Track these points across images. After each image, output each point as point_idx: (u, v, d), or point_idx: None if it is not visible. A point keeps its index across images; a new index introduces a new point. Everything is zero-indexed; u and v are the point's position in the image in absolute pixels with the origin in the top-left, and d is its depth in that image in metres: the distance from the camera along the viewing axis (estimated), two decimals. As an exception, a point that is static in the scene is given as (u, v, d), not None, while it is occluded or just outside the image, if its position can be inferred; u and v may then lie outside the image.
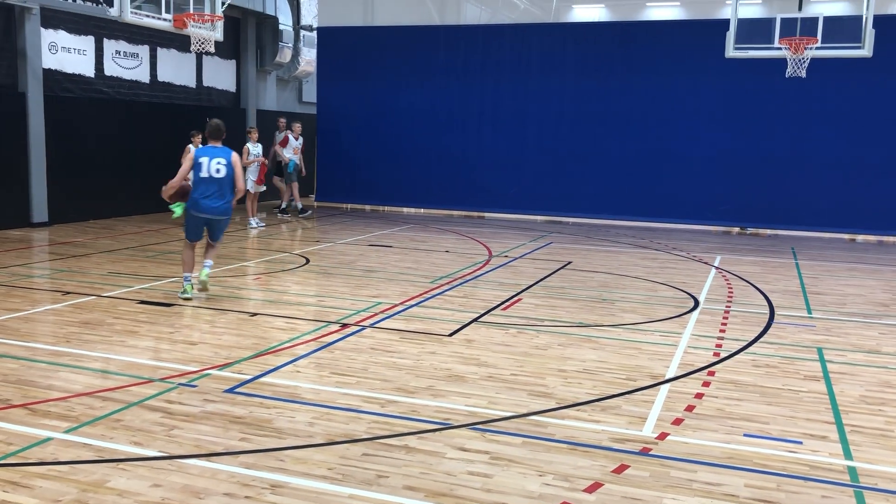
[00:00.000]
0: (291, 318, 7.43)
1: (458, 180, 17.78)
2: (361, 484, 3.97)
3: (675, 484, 4.06)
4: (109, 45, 14.97)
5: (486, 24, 27.95)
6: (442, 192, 17.92)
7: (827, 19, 12.52)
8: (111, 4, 11.18)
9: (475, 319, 7.55)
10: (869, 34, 12.24)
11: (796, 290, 9.62)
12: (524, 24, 24.31)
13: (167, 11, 11.70)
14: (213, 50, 12.60)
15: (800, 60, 12.53)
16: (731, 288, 9.61)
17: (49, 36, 13.67)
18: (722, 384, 5.74)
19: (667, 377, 5.89)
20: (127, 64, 15.45)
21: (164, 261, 10.51)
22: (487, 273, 10.25)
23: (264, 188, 14.86)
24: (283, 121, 16.43)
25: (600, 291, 9.21)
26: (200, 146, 8.88)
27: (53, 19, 13.67)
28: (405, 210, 18.29)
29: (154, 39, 15.78)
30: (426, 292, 8.79)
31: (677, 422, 4.94)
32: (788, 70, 12.76)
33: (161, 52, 16.19)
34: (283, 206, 16.26)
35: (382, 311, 7.78)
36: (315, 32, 19.59)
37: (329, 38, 18.88)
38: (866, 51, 12.35)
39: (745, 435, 4.76)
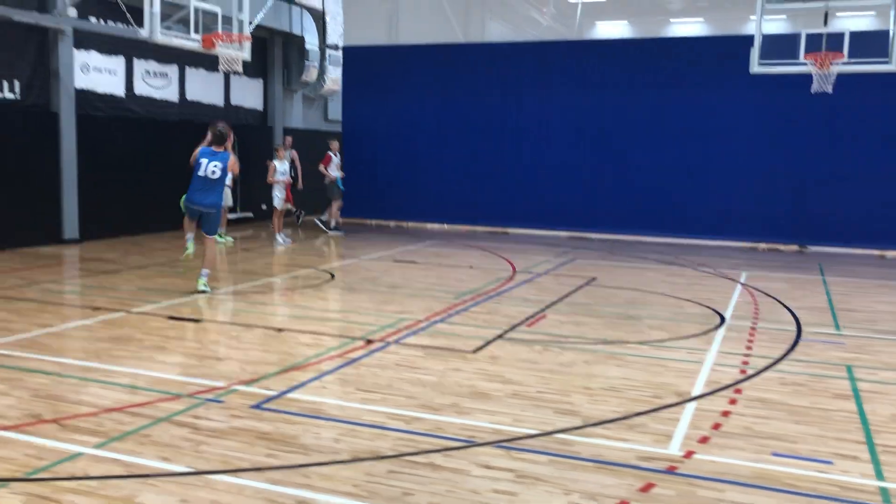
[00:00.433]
0: (317, 334, 7.48)
1: (482, 196, 17.82)
2: (387, 501, 3.98)
3: (702, 503, 4.03)
4: (139, 65, 15.25)
5: (509, 41, 28.08)
6: (465, 208, 17.96)
7: (853, 34, 12.43)
8: (142, 25, 11.39)
9: (500, 336, 7.55)
10: (896, 48, 12.14)
11: (824, 307, 9.51)
12: (548, 42, 24.38)
13: (196, 32, 11.90)
14: (240, 69, 12.79)
15: (826, 76, 12.44)
16: (757, 304, 9.52)
17: (81, 57, 13.95)
18: (749, 402, 5.69)
19: (693, 395, 5.85)
20: (156, 83, 15.72)
21: (193, 277, 10.60)
22: (512, 289, 10.25)
23: (290, 205, 14.99)
24: (335, 143, 16.43)
25: (626, 308, 9.17)
26: (203, 147, 9.49)
27: (86, 40, 13.96)
28: (429, 226, 18.35)
29: (183, 59, 16.04)
30: (450, 308, 8.81)
31: (704, 440, 4.90)
32: (814, 86, 12.67)
33: (190, 71, 16.46)
34: (333, 223, 16.37)
35: (407, 327, 7.81)
36: (340, 51, 19.81)
37: (354, 57, 19.09)
38: (894, 65, 12.24)
39: (773, 454, 4.71)
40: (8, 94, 12.73)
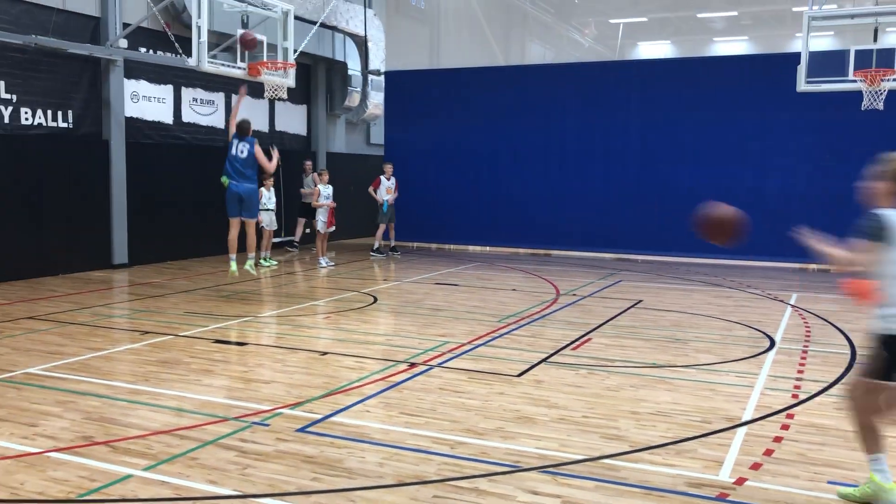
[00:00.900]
0: (360, 357, 7.50)
1: (524, 218, 17.77)
2: (432, 526, 3.95)
3: (756, 532, 3.92)
4: (187, 93, 15.60)
5: (550, 62, 28.10)
6: (508, 230, 17.92)
7: (904, 50, 12.19)
8: (189, 55, 11.68)
9: (544, 359, 7.49)
10: (949, 64, 11.86)
11: (879, 330, 9.23)
12: (589, 63, 24.34)
13: (242, 60, 12.16)
14: (285, 96, 13.01)
15: (876, 92, 12.21)
16: (808, 327, 9.30)
17: (131, 86, 14.34)
18: (802, 427, 5.54)
19: (743, 419, 5.71)
20: (203, 111, 16.06)
21: (238, 300, 10.76)
22: (555, 312, 10.17)
23: (334, 229, 15.13)
24: (388, 167, 16.59)
25: (672, 331, 9.03)
26: (233, 135, 11.13)
27: (136, 70, 14.34)
28: (471, 248, 18.35)
29: (229, 87, 16.37)
30: (494, 331, 8.77)
31: (756, 466, 4.77)
32: (864, 102, 12.43)
33: (236, 98, 16.75)
34: (377, 245, 16.49)
35: (450, 351, 7.79)
36: (382, 76, 20.04)
37: (396, 82, 19.29)
38: (947, 81, 11.96)
39: (829, 482, 4.57)
40: (62, 124, 13.13)
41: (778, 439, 5.28)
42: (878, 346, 4.22)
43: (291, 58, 12.80)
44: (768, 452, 5.02)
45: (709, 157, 16.19)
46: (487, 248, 18.18)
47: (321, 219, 14.64)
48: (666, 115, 16.57)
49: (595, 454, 4.99)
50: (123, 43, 13.41)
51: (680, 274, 14.42)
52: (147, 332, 8.52)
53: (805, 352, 7.96)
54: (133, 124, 14.39)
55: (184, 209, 15.26)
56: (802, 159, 15.51)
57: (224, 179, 10.93)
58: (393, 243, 16.70)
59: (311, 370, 7.05)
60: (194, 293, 11.31)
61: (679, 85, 16.55)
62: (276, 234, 15.95)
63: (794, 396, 6.32)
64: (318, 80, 19.47)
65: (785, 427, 5.54)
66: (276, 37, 12.80)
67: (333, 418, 5.65)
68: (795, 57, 13.20)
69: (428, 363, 7.29)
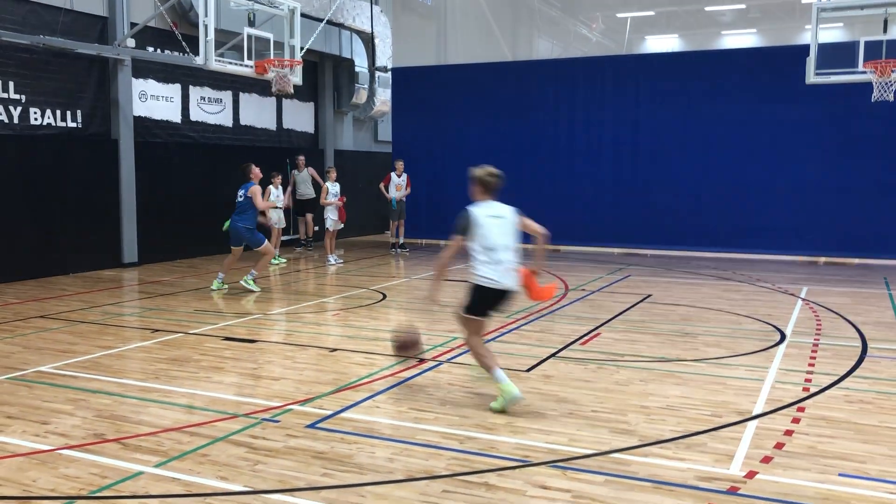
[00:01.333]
0: (370, 354, 7.51)
1: (532, 213, 17.53)
2: (442, 521, 3.95)
3: (767, 525, 3.91)
4: (195, 92, 15.64)
5: (558, 58, 28.02)
6: (516, 226, 17.86)
7: (914, 40, 12.11)
8: (197, 54, 11.71)
9: (553, 354, 7.48)
10: (960, 54, 11.77)
11: (891, 322, 9.19)
12: (597, 57, 24.27)
13: (249, 58, 12.18)
14: (291, 91, 13.02)
15: (886, 84, 12.12)
16: (819, 320, 9.25)
17: (139, 85, 14.38)
18: (813, 421, 5.52)
19: (754, 413, 5.69)
20: (211, 109, 16.10)
21: (247, 298, 10.79)
22: (565, 307, 10.16)
23: (342, 226, 15.14)
24: (399, 163, 16.65)
25: (682, 325, 9.00)
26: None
27: (143, 69, 14.39)
28: (480, 245, 18.30)
29: (236, 85, 16.42)
30: (502, 327, 8.76)
31: (766, 460, 4.76)
32: (875, 94, 12.35)
33: (243, 96, 16.82)
34: (401, 241, 16.60)
35: (459, 346, 7.79)
36: (389, 73, 20.03)
37: (403, 78, 19.28)
38: (958, 71, 11.87)
39: (840, 475, 4.55)
40: (71, 123, 13.18)
41: (789, 433, 5.26)
42: (469, 290, 5.93)
43: (298, 55, 12.82)
44: (779, 446, 5.01)
45: (717, 150, 16.12)
46: (496, 244, 18.12)
47: (331, 217, 14.65)
48: (674, 109, 16.50)
49: (605, 448, 4.98)
50: (131, 42, 13.45)
51: (689, 268, 14.37)
52: (157, 330, 8.56)
53: (816, 345, 7.92)
54: (141, 123, 14.44)
55: (193, 208, 15.31)
56: (812, 152, 15.42)
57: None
58: (402, 240, 16.72)
59: (320, 367, 7.06)
60: (204, 291, 11.34)
61: (687, 79, 16.48)
62: (285, 231, 15.99)
63: (805, 390, 6.30)
64: (325, 77, 19.48)
65: (796, 420, 5.52)
66: (282, 34, 12.82)
67: (343, 414, 5.67)
68: (804, 49, 13.13)
69: (437, 359, 7.29)
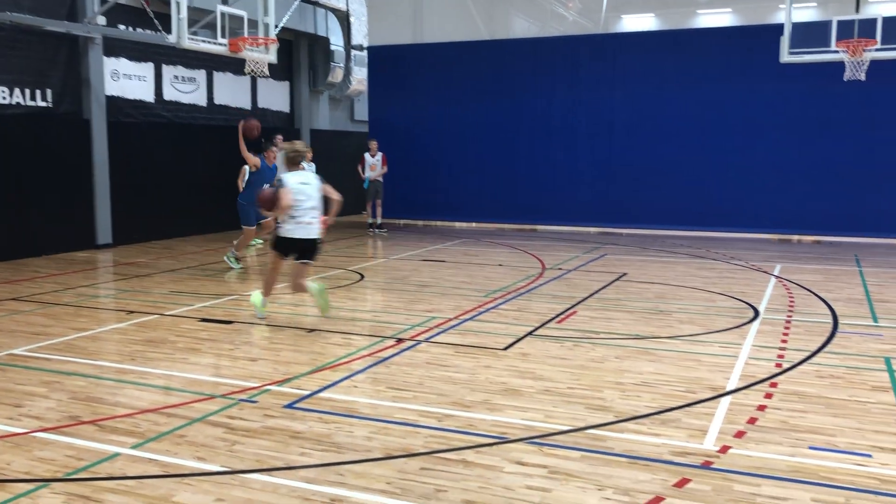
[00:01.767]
0: (347, 334, 7.52)
1: (510, 193, 17.78)
2: (420, 498, 3.99)
3: (739, 498, 3.98)
4: (168, 71, 15.43)
5: (534, 37, 27.93)
6: (493, 206, 17.93)
7: (886, 20, 12.21)
8: (169, 32, 11.53)
9: (530, 333, 7.53)
10: (931, 33, 11.90)
11: (861, 299, 9.35)
12: (573, 36, 24.23)
13: (223, 36, 12.02)
14: (267, 72, 12.89)
15: (858, 63, 12.23)
16: (791, 297, 9.39)
17: (111, 64, 14.16)
18: (785, 396, 5.61)
19: (728, 389, 5.78)
20: (185, 88, 15.90)
21: (224, 279, 10.73)
22: (541, 286, 10.21)
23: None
24: (372, 143, 16.58)
25: (657, 303, 9.09)
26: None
27: (115, 48, 14.16)
28: (457, 224, 18.36)
29: (210, 64, 16.21)
30: (480, 306, 8.80)
31: (739, 434, 4.84)
32: (847, 73, 12.46)
33: (217, 75, 16.62)
34: (379, 221, 16.56)
35: (437, 326, 7.81)
36: (365, 51, 19.87)
37: (379, 57, 19.14)
38: (929, 50, 12.01)
39: (810, 448, 4.64)
40: (41, 103, 12.96)
41: (761, 408, 5.35)
42: (276, 236, 7.92)
43: (273, 33, 12.68)
44: (752, 421, 5.09)
45: (693, 129, 16.23)
46: (474, 224, 18.19)
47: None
48: (650, 87, 16.56)
49: (580, 425, 5.04)
50: (102, 20, 13.23)
51: (664, 247, 14.49)
52: (133, 312, 8.50)
53: (789, 321, 8.04)
54: (114, 103, 14.23)
55: (168, 188, 15.16)
56: (786, 130, 15.57)
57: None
58: (380, 221, 16.68)
59: (298, 347, 7.06)
60: (180, 272, 11.26)
61: (663, 57, 16.53)
62: None
63: (778, 366, 6.40)
64: (301, 55, 19.29)
65: (768, 396, 5.61)
66: (256, 12, 12.66)
67: (321, 394, 5.67)
68: (779, 28, 13.20)
69: (415, 338, 7.31)
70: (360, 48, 20.07)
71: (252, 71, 12.56)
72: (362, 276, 10.98)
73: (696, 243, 14.91)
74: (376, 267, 12.06)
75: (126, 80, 14.55)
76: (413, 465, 4.39)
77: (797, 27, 12.90)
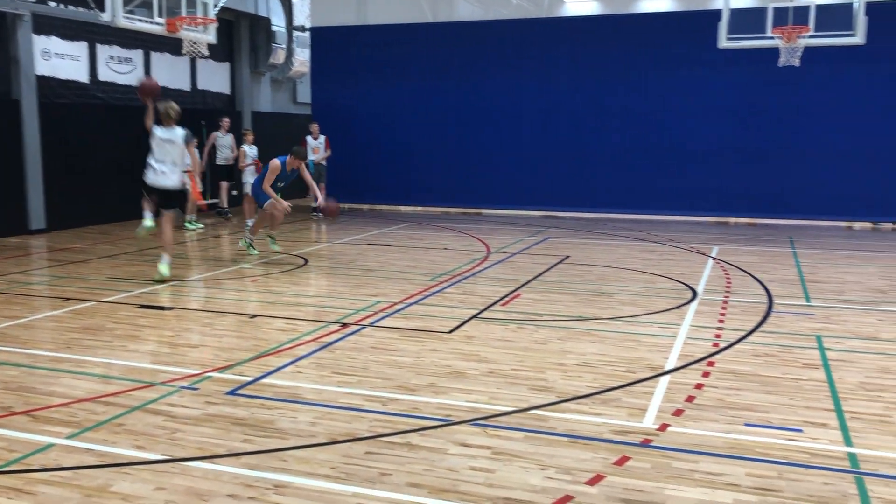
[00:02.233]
0: (291, 319, 7.45)
1: (455, 177, 17.79)
2: (365, 482, 3.98)
3: (677, 474, 4.08)
4: (103, 51, 14.96)
5: (478, 20, 27.94)
6: (439, 190, 17.92)
7: (819, 7, 12.55)
8: (103, 9, 11.17)
9: (475, 316, 7.57)
10: (861, 21, 12.28)
11: (794, 279, 9.64)
12: (517, 20, 24.29)
13: (160, 15, 11.69)
14: (206, 53, 12.60)
15: (793, 49, 12.56)
16: (729, 278, 9.63)
17: (41, 42, 13.66)
18: (722, 374, 5.77)
19: (666, 368, 5.91)
20: (121, 69, 15.45)
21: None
22: (486, 269, 10.27)
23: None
24: (314, 126, 16.39)
25: (598, 285, 9.23)
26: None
27: (45, 25, 13.66)
28: (402, 208, 18.31)
29: (147, 44, 15.77)
30: (425, 290, 8.81)
31: (678, 413, 4.96)
32: (782, 59, 12.79)
33: (155, 56, 16.19)
34: (314, 206, 16.34)
35: (382, 310, 7.80)
36: (308, 33, 19.58)
37: (322, 38, 18.87)
38: (859, 38, 12.40)
39: (745, 424, 4.78)
40: (-33, 83, 12.45)
41: (699, 386, 5.48)
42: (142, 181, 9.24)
43: (212, 13, 12.39)
44: (690, 399, 5.22)
45: (633, 113, 16.45)
46: (419, 209, 18.16)
47: (249, 180, 14.32)
48: (592, 72, 16.71)
49: (524, 405, 5.10)
50: (31, -4, 12.74)
51: (606, 230, 14.71)
52: (69, 299, 8.26)
53: (725, 302, 8.25)
54: (45, 83, 13.74)
55: (103, 172, 14.74)
56: (723, 115, 15.90)
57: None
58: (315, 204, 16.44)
59: (240, 333, 6.96)
60: (117, 258, 10.99)
61: (605, 41, 16.69)
62: (203, 195, 15.57)
63: (715, 345, 6.57)
64: (241, 36, 18.91)
65: (706, 374, 5.76)
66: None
67: (264, 380, 5.62)
68: (718, 14, 13.45)
69: (360, 323, 7.28)
70: (303, 29, 19.76)
71: (190, 52, 12.26)
72: (306, 261, 10.88)
73: (637, 226, 15.17)
74: (320, 251, 11.96)
75: (58, 59, 14.06)
76: (358, 450, 4.38)
77: (735, 13, 13.18)
